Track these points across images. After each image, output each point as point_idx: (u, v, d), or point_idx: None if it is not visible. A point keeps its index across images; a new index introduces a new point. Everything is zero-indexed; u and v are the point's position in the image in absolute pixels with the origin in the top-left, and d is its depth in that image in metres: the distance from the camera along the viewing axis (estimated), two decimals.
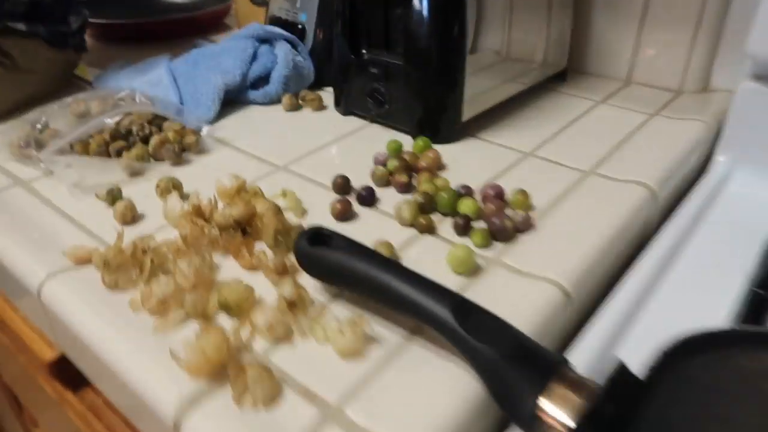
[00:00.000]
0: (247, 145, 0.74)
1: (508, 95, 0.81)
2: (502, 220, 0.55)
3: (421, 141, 0.69)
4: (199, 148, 0.73)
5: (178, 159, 0.70)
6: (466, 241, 0.56)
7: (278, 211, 0.58)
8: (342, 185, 0.63)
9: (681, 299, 0.53)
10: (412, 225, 0.58)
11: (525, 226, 0.57)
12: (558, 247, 0.55)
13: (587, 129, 0.76)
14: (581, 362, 0.43)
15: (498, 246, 0.56)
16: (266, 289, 0.50)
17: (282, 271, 0.51)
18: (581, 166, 0.68)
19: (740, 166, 0.70)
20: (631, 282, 0.54)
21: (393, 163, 0.65)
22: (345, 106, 0.81)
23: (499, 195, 0.60)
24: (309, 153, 0.72)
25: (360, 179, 0.65)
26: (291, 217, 0.60)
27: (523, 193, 0.60)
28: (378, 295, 0.45)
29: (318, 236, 0.49)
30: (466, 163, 0.69)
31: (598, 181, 0.65)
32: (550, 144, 0.73)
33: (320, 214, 0.61)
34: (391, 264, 0.45)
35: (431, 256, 0.54)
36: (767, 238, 0.59)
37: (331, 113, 0.83)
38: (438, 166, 0.66)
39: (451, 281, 0.51)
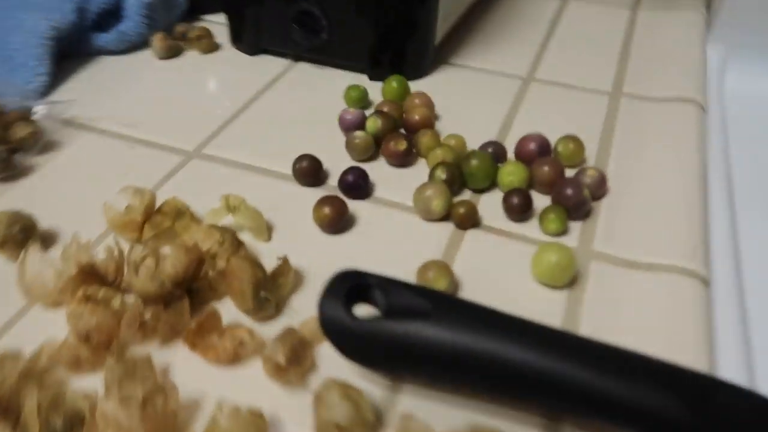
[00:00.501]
0: (120, 124, 0.47)
1: (469, 2, 0.61)
2: (578, 190, 0.37)
3: (396, 82, 0.48)
4: (42, 143, 0.44)
5: (8, 169, 0.42)
6: (528, 228, 0.38)
7: (238, 242, 0.34)
8: (310, 170, 0.41)
9: None
10: (443, 218, 0.38)
11: (600, 192, 0.40)
12: (653, 214, 0.39)
13: (572, 35, 0.60)
14: None
15: (575, 228, 0.38)
16: (276, 401, 0.28)
17: (292, 359, 0.29)
18: (602, 87, 0.52)
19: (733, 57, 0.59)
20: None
21: (375, 123, 0.43)
22: (252, 41, 0.56)
23: (544, 149, 0.41)
24: (226, 123, 0.47)
25: (327, 155, 0.42)
26: (250, 243, 0.36)
27: (575, 141, 0.42)
28: (502, 389, 0.26)
29: (356, 290, 0.28)
30: (457, 104, 0.49)
31: (634, 104, 0.49)
32: (545, 61, 0.55)
33: (296, 228, 0.38)
34: (529, 330, 0.26)
35: (495, 265, 0.35)
36: None
37: (231, 54, 0.57)
38: (433, 116, 0.46)
39: (543, 299, 0.33)
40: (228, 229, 0.35)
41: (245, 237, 0.37)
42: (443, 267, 0.33)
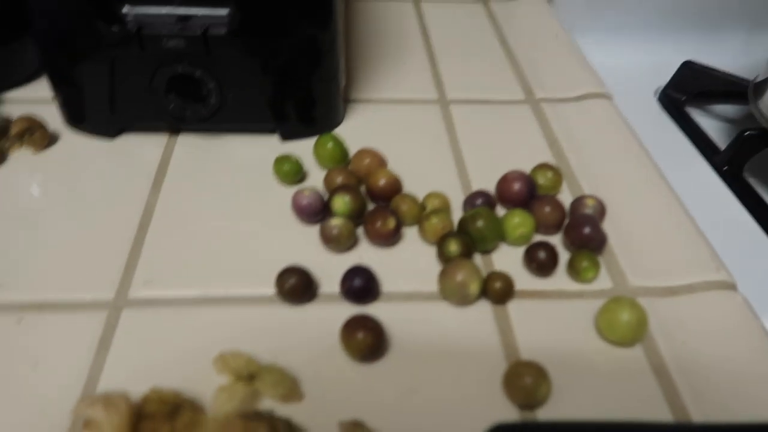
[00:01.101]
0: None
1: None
2: (596, 227, 0.35)
3: (331, 142, 0.40)
4: None
5: None
6: (560, 281, 0.35)
7: (289, 426, 0.25)
8: (302, 287, 0.32)
9: None
10: (477, 298, 0.33)
11: (602, 219, 0.38)
12: (651, 230, 0.38)
13: (449, 43, 0.57)
14: None
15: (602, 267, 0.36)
16: None
17: None
18: (516, 96, 0.50)
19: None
20: None
21: (344, 204, 0.35)
22: (105, 119, 0.42)
23: (532, 187, 0.38)
24: (135, 248, 0.35)
25: (299, 256, 0.34)
26: (280, 410, 0.27)
27: (553, 169, 0.40)
28: None
29: None
30: (396, 147, 0.43)
31: (555, 109, 0.49)
32: (447, 79, 0.52)
33: (321, 368, 0.30)
34: None
35: (555, 335, 0.32)
36: None
37: (78, 143, 0.43)
38: (395, 179, 0.39)
39: (621, 357, 0.31)
40: (269, 416, 0.25)
41: (267, 404, 0.27)
42: (538, 370, 0.28)
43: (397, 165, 0.41)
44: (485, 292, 0.33)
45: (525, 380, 0.28)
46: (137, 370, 0.29)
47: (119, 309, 0.32)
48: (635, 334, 0.31)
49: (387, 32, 0.58)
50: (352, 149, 0.41)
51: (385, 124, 0.46)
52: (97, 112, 0.42)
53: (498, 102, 0.49)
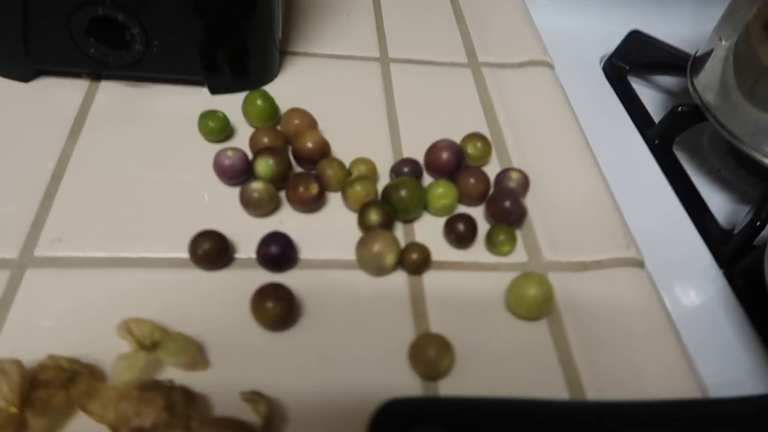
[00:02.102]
0: None
1: None
2: (516, 202, 0.36)
3: (260, 99, 0.39)
4: None
5: None
6: (477, 253, 0.35)
7: (191, 398, 0.25)
8: (217, 252, 0.32)
9: None
10: (394, 269, 0.33)
11: (525, 194, 0.39)
12: (572, 207, 0.39)
13: (400, 1, 0.55)
14: None
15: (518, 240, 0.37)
16: None
17: None
18: (459, 59, 0.49)
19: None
20: None
21: (267, 167, 0.35)
22: (20, 60, 0.40)
23: (460, 157, 0.38)
24: (45, 202, 0.34)
25: (214, 218, 0.34)
26: (182, 378, 0.28)
27: (482, 139, 0.40)
28: None
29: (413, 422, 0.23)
30: (328, 105, 0.42)
31: (497, 74, 0.48)
32: (390, 36, 0.50)
33: (228, 336, 0.30)
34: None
35: (467, 306, 0.33)
36: None
37: None
38: (323, 142, 0.38)
39: (527, 330, 0.32)
40: (166, 386, 0.25)
41: (171, 372, 0.27)
42: (442, 343, 0.29)
43: (329, 127, 0.40)
44: (401, 262, 0.33)
45: (428, 353, 0.29)
46: (38, 335, 0.28)
47: (23, 268, 0.31)
48: (541, 309, 0.32)
49: None
50: (285, 107, 0.40)
51: (322, 81, 0.44)
52: (9, 53, 0.39)
53: (440, 64, 0.48)
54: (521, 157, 0.41)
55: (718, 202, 0.52)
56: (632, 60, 0.62)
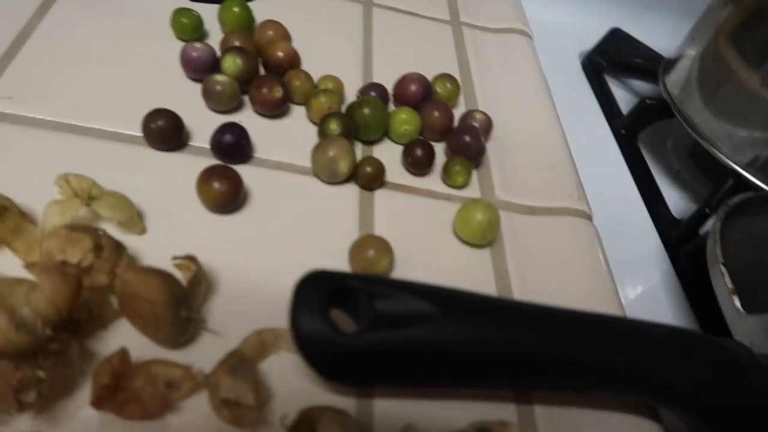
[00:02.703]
0: None
1: None
2: (476, 138, 0.36)
3: (237, 6, 0.39)
4: None
5: None
6: (432, 182, 0.36)
7: (118, 246, 0.25)
8: (170, 131, 0.31)
9: None
10: (347, 180, 0.33)
11: (487, 136, 0.39)
12: (531, 156, 0.40)
13: None
14: None
15: (473, 176, 0.37)
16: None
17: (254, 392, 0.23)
18: (441, 15, 0.50)
19: None
20: None
21: (234, 64, 0.35)
22: None
23: (427, 91, 0.39)
24: (3, 60, 0.33)
25: (174, 104, 0.33)
26: (118, 236, 0.27)
27: (452, 80, 0.40)
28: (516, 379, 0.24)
29: (332, 296, 0.23)
30: (306, 32, 0.42)
31: (475, 35, 0.49)
32: None
33: (172, 210, 0.29)
34: (536, 315, 0.24)
35: (414, 227, 0.33)
36: None
37: None
38: (293, 53, 0.38)
39: (470, 257, 0.32)
40: (96, 230, 0.25)
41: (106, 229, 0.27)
42: (382, 243, 0.29)
43: (302, 46, 0.40)
44: (355, 175, 0.33)
45: (368, 252, 0.29)
46: None
47: None
48: (485, 233, 0.32)
49: None
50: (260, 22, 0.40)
51: (301, 9, 0.44)
52: None
53: (422, 17, 0.49)
54: (487, 104, 0.42)
55: (674, 199, 0.54)
56: (610, 57, 0.64)
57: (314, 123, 0.36)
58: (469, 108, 0.41)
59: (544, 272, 0.33)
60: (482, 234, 0.32)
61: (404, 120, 0.36)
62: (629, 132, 0.56)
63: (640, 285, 0.45)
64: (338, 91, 0.37)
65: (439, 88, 0.39)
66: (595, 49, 0.65)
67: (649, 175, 0.54)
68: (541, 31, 0.55)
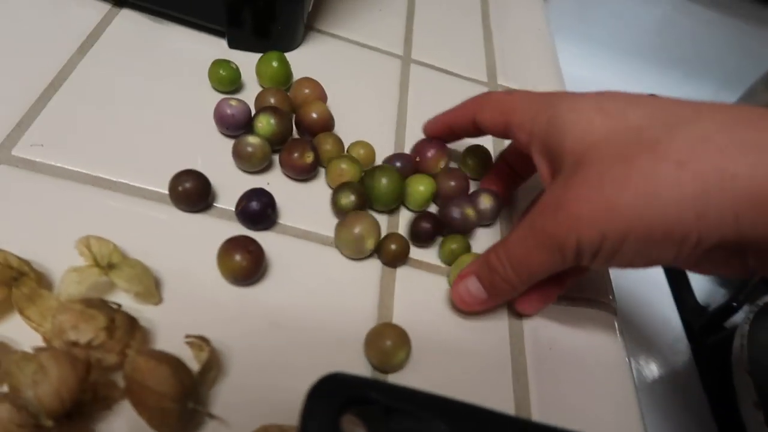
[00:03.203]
0: None
1: None
2: (463, 216, 0.34)
3: (276, 61, 0.38)
4: None
5: None
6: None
7: (132, 324, 0.24)
8: (197, 193, 0.31)
9: None
10: (370, 255, 0.33)
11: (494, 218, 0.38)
12: None
13: (432, 4, 0.55)
14: None
15: None
16: None
17: None
18: (479, 76, 0.49)
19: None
20: None
21: (267, 125, 0.34)
22: None
23: (440, 150, 0.37)
24: (37, 106, 0.33)
25: (202, 161, 0.33)
26: (132, 308, 0.26)
27: (484, 153, 0.39)
28: None
29: (350, 401, 0.22)
30: (342, 88, 0.41)
31: None
32: (417, 37, 0.50)
33: (189, 278, 0.29)
34: None
35: (433, 310, 0.32)
36: None
37: None
38: (327, 116, 0.38)
39: (487, 345, 0.31)
40: (111, 306, 0.24)
41: (122, 299, 0.26)
42: (401, 335, 0.28)
43: (338, 106, 0.40)
44: (379, 250, 0.32)
45: (385, 342, 0.28)
46: None
47: None
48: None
49: None
50: (299, 77, 0.39)
51: (340, 64, 0.44)
52: None
53: (459, 76, 0.48)
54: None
55: (700, 281, 0.52)
56: None
57: (330, 187, 0.35)
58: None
59: (563, 366, 0.32)
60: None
61: (420, 192, 0.35)
62: None
63: (657, 371, 0.44)
64: (367, 158, 0.36)
65: (469, 160, 0.39)
66: None
67: None
68: (577, 89, 0.54)
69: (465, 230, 0.35)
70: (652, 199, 0.24)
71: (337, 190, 0.33)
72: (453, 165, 0.39)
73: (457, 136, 0.37)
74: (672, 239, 0.24)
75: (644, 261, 0.26)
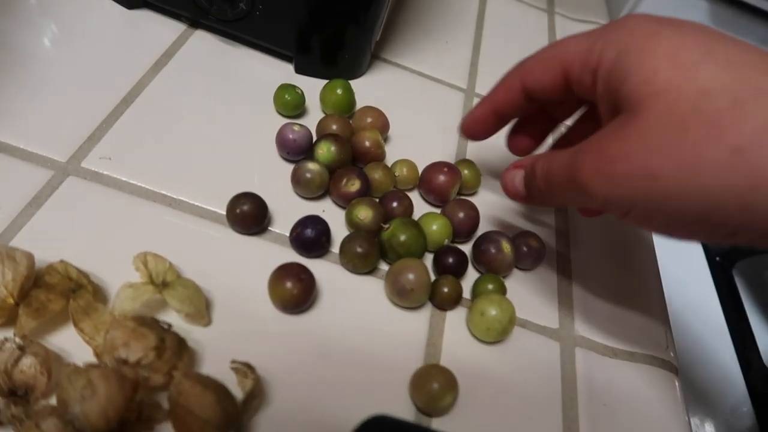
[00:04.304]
0: None
1: None
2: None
3: (341, 89, 0.39)
4: None
5: None
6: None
7: (181, 345, 0.24)
8: (254, 217, 0.31)
9: None
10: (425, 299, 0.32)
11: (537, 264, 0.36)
12: (626, 281, 0.37)
13: (500, 40, 0.54)
14: None
15: (553, 307, 0.35)
16: None
17: None
18: None
19: None
20: None
21: (328, 152, 0.34)
22: None
23: (452, 174, 0.36)
24: (109, 119, 0.34)
25: (260, 184, 0.33)
26: (180, 327, 0.26)
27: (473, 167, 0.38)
28: None
29: None
30: (404, 118, 0.41)
31: None
32: (482, 71, 0.50)
33: (238, 302, 0.29)
34: None
35: (480, 351, 0.31)
36: None
37: (92, 1, 0.41)
38: (385, 138, 0.38)
39: (537, 396, 0.30)
40: (162, 326, 0.24)
41: (172, 317, 0.26)
42: (448, 378, 0.27)
43: (399, 136, 0.40)
44: (431, 295, 0.31)
45: (432, 385, 0.27)
46: (57, 240, 0.28)
47: (65, 173, 0.30)
48: (510, 325, 0.31)
49: (442, 4, 0.56)
50: (361, 105, 0.40)
51: (403, 94, 0.44)
52: None
53: None
54: (579, 224, 0.40)
55: (767, 342, 0.49)
56: None
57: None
58: (558, 218, 0.39)
59: (617, 430, 0.30)
60: (502, 328, 0.30)
61: (434, 231, 0.33)
62: (725, 261, 0.52)
63: None
64: (410, 177, 0.36)
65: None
66: None
67: (742, 310, 0.49)
68: None
69: (499, 269, 0.33)
70: (696, 178, 0.22)
71: (350, 240, 0.31)
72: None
73: (505, 120, 0.34)
74: (708, 222, 0.22)
75: (677, 233, 0.25)
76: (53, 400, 0.22)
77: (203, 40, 0.41)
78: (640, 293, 0.37)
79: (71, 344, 0.24)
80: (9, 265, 0.23)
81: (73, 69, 0.35)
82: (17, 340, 0.23)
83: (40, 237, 0.28)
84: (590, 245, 0.38)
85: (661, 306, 0.37)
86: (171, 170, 0.32)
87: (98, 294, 0.26)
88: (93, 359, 0.24)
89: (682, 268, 0.50)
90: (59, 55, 0.36)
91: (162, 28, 0.40)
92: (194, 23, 0.42)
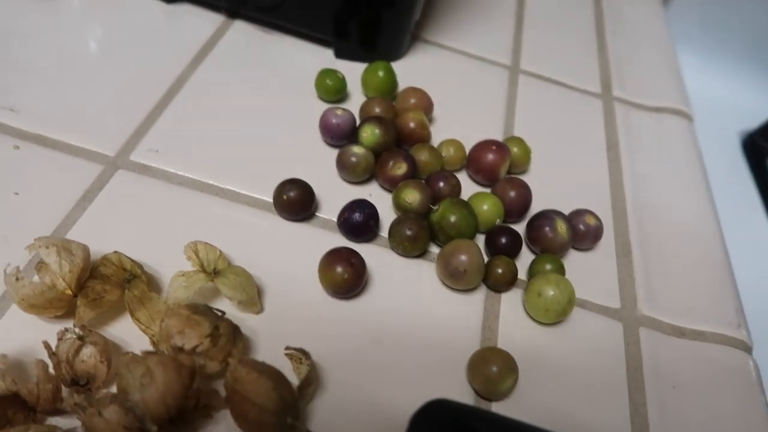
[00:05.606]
0: None
1: None
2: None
3: (383, 71, 0.38)
4: None
5: None
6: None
7: (235, 333, 0.24)
8: (301, 203, 0.30)
9: None
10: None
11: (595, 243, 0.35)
12: (690, 257, 0.35)
13: (543, 13, 0.53)
14: None
15: (613, 282, 0.33)
16: None
17: None
18: (592, 87, 0.46)
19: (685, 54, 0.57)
20: None
21: (372, 135, 0.33)
22: None
23: (501, 153, 0.35)
24: (154, 112, 0.34)
25: (306, 170, 0.33)
26: (232, 313, 0.26)
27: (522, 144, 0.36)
28: None
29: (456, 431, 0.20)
30: (448, 97, 0.40)
31: (628, 112, 0.45)
32: (526, 48, 0.48)
33: (289, 288, 0.28)
34: None
35: (540, 336, 0.30)
36: None
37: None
38: (430, 119, 0.37)
39: (601, 381, 0.28)
40: (216, 313, 0.24)
41: (225, 305, 0.26)
42: (507, 361, 0.26)
43: (443, 116, 0.39)
44: (485, 277, 0.30)
45: (491, 368, 0.26)
46: (110, 232, 0.28)
47: (115, 167, 0.31)
48: (569, 306, 0.29)
49: None
50: (403, 87, 0.39)
51: (446, 74, 0.43)
52: None
53: (571, 88, 0.46)
54: (636, 194, 0.38)
55: None
56: None
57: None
58: (615, 201, 0.37)
59: (688, 413, 0.28)
60: (562, 308, 0.28)
61: (485, 211, 0.32)
62: None
63: None
64: (456, 157, 0.35)
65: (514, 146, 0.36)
66: (759, 130, 0.58)
67: None
68: (697, 103, 0.49)
69: (555, 249, 0.32)
70: None
71: (399, 223, 0.30)
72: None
73: None
74: None
75: None
76: (113, 389, 0.22)
77: (242, 31, 0.41)
78: (706, 269, 0.35)
79: (128, 334, 0.25)
80: (66, 257, 0.23)
81: (117, 65, 0.36)
82: (77, 330, 0.23)
83: (93, 229, 0.28)
84: (649, 220, 0.36)
85: (730, 281, 0.35)
86: (217, 160, 0.32)
87: (152, 283, 0.26)
88: (150, 348, 0.24)
89: (750, 239, 0.47)
90: (103, 52, 0.36)
91: (201, 21, 0.40)
92: (232, 14, 0.42)
